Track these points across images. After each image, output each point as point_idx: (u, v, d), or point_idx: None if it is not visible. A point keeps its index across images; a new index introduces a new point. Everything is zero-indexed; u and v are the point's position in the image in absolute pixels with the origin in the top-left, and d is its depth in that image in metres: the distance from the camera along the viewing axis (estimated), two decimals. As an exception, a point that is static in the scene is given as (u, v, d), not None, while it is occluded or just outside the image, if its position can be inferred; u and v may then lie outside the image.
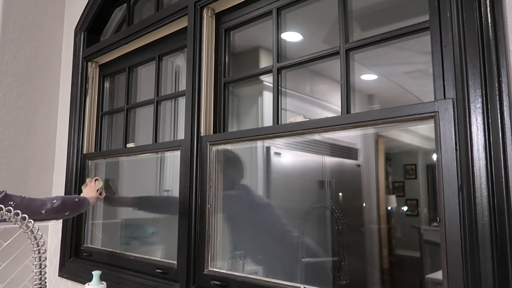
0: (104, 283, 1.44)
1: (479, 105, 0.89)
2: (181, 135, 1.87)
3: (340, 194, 1.51)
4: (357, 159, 1.60)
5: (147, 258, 1.68)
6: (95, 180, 1.83)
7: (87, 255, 1.98)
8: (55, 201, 1.50)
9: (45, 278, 1.02)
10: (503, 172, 0.84)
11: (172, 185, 1.87)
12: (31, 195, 2.11)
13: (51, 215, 1.49)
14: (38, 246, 0.97)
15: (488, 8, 0.90)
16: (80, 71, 2.17)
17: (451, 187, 0.91)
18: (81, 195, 1.73)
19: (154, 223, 1.94)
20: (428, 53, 1.01)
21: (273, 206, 1.50)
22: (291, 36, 1.48)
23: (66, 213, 1.56)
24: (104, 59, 2.16)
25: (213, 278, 1.39)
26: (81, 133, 2.13)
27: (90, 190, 1.78)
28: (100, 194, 1.83)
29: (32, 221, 0.96)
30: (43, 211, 1.43)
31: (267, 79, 1.53)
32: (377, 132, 1.36)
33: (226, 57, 1.60)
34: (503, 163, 0.85)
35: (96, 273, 1.42)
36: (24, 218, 0.93)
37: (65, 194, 2.12)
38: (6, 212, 0.89)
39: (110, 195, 1.96)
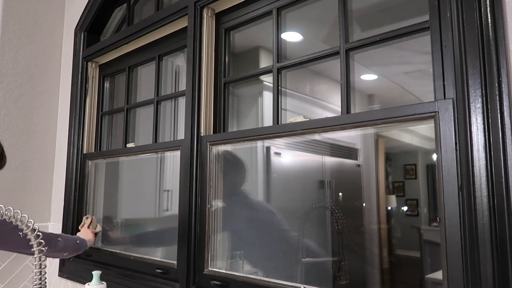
0: (104, 283, 1.44)
1: (479, 105, 0.89)
2: (181, 135, 1.87)
3: (340, 194, 1.51)
4: (357, 159, 1.60)
5: (147, 258, 1.68)
6: (86, 218, 1.84)
7: (87, 255, 1.98)
8: (59, 238, 1.50)
9: (45, 278, 1.02)
10: (503, 172, 0.84)
11: (172, 185, 1.87)
12: (31, 195, 2.12)
13: (51, 252, 1.48)
14: (38, 246, 0.97)
15: (488, 8, 0.90)
16: (80, 71, 2.17)
17: (451, 187, 0.91)
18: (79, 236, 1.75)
19: (154, 223, 1.94)
20: (428, 53, 1.02)
21: (272, 211, 1.50)
22: (291, 36, 1.48)
23: (65, 254, 1.57)
24: (104, 59, 2.16)
25: (213, 278, 1.39)
26: (81, 133, 2.13)
27: (86, 232, 1.79)
28: (95, 228, 1.84)
29: (32, 221, 0.96)
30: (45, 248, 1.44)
31: (267, 79, 1.53)
32: (377, 132, 1.36)
33: (226, 57, 1.60)
34: (503, 163, 0.85)
35: (96, 273, 1.42)
36: (24, 218, 0.93)
37: (65, 195, 2.12)
38: (6, 212, 0.89)
39: (110, 234, 1.98)
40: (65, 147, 2.18)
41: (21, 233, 1.35)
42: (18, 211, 0.91)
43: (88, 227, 1.82)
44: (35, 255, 0.97)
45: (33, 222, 0.95)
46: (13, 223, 0.91)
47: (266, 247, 1.43)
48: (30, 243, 0.96)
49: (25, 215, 0.93)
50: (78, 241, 1.63)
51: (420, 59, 1.22)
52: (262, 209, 1.53)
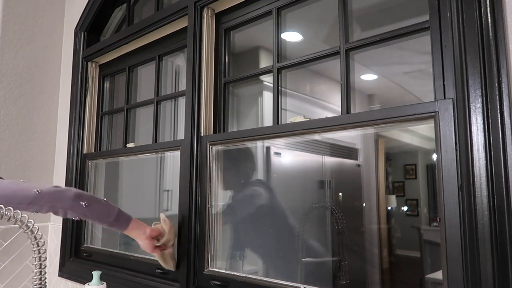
0: (104, 283, 1.44)
1: (479, 105, 0.89)
2: (181, 135, 1.87)
3: (340, 194, 1.51)
4: (357, 159, 1.60)
5: (147, 258, 1.68)
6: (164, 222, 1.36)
7: (87, 255, 1.98)
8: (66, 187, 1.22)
9: (45, 278, 1.02)
10: (503, 172, 0.84)
11: (172, 185, 1.87)
12: (31, 195, 2.12)
13: (48, 196, 1.15)
14: (38, 246, 0.97)
15: (488, 8, 0.90)
16: (80, 71, 2.17)
17: (451, 187, 0.91)
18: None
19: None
20: (428, 53, 1.02)
21: (283, 205, 1.49)
22: (291, 36, 1.48)
23: (83, 203, 1.21)
24: (104, 59, 2.16)
25: (213, 278, 1.39)
26: (81, 133, 2.13)
27: (139, 226, 1.34)
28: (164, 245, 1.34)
29: (32, 221, 0.96)
30: (37, 190, 1.13)
31: (267, 79, 1.53)
32: (377, 132, 1.36)
33: (226, 57, 1.60)
34: (503, 163, 0.85)
35: (96, 273, 1.42)
36: (24, 218, 0.93)
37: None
38: (6, 212, 0.89)
39: None
40: (65, 147, 2.18)
41: (36, 190, 1.11)
42: (18, 211, 0.91)
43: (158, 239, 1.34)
44: (36, 276, 0.96)
45: (33, 222, 0.95)
46: (14, 223, 0.91)
47: (270, 246, 1.44)
48: (34, 263, 0.96)
49: (25, 215, 0.93)
50: (105, 199, 1.27)
51: (420, 59, 1.22)
52: (277, 198, 1.52)
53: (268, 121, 1.53)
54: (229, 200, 1.53)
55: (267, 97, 1.53)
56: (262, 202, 1.48)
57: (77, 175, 2.09)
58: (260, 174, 1.54)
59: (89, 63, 2.19)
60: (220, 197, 1.50)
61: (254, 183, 1.53)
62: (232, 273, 1.36)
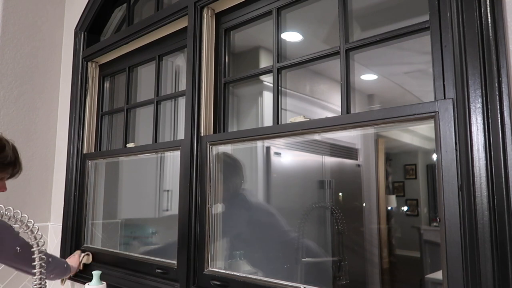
0: (104, 283, 1.44)
1: (479, 105, 0.89)
2: (181, 135, 1.87)
3: (340, 194, 1.51)
4: (357, 159, 1.60)
5: (147, 258, 1.68)
6: (87, 255, 1.89)
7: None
8: (50, 259, 1.52)
9: (45, 278, 1.02)
10: (503, 172, 0.84)
11: (172, 185, 1.87)
12: (31, 195, 2.12)
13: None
14: (38, 246, 0.97)
15: (488, 8, 0.90)
16: (80, 71, 2.17)
17: (451, 187, 0.91)
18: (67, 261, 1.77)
19: (154, 223, 1.94)
20: (428, 53, 1.02)
21: (272, 212, 1.50)
22: (291, 36, 1.48)
23: (52, 275, 1.59)
24: (104, 59, 2.16)
25: (213, 278, 1.39)
26: (81, 133, 2.13)
27: (75, 260, 1.83)
28: (85, 260, 1.88)
29: (32, 221, 0.96)
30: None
31: (267, 79, 1.53)
32: (377, 132, 1.36)
33: (226, 57, 1.60)
34: (503, 163, 0.85)
35: (96, 273, 1.42)
36: (24, 218, 0.93)
37: (65, 195, 2.12)
38: (6, 212, 0.89)
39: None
40: (65, 147, 2.17)
41: (18, 248, 1.34)
42: (18, 211, 0.91)
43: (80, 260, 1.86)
44: (36, 276, 0.97)
45: (33, 222, 0.95)
46: (13, 223, 0.91)
47: (266, 249, 1.44)
48: (33, 264, 0.96)
49: (25, 215, 0.93)
50: (65, 265, 1.65)
51: (420, 59, 1.22)
52: (261, 210, 1.53)
53: (268, 121, 1.53)
54: (221, 209, 1.53)
55: (267, 97, 1.53)
56: (247, 212, 1.49)
57: (77, 175, 2.09)
58: (260, 175, 1.54)
59: (89, 63, 2.19)
60: (220, 198, 1.50)
61: (240, 196, 1.54)
62: (232, 273, 1.36)
